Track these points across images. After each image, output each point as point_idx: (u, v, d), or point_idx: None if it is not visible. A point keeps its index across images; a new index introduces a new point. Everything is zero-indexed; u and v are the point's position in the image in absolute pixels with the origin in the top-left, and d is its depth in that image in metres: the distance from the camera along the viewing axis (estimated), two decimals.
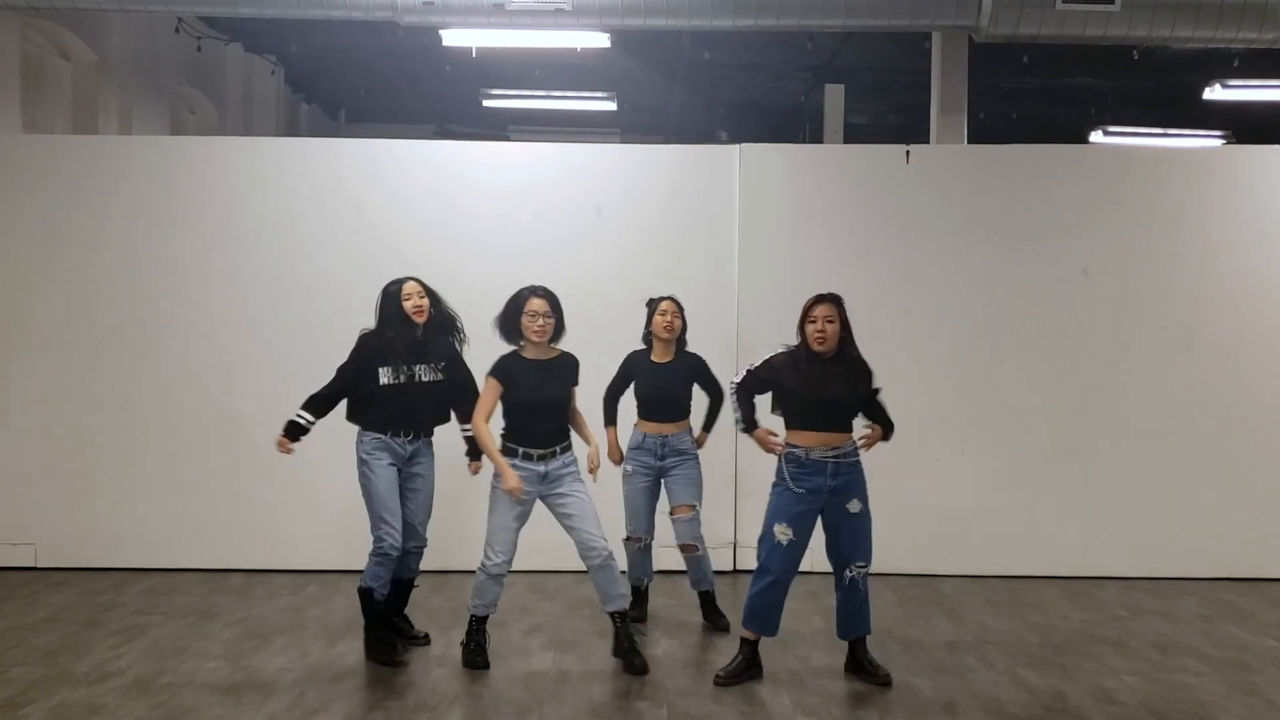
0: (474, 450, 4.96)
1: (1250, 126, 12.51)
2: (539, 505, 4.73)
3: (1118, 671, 4.79)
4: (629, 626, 4.76)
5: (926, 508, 6.36)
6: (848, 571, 4.56)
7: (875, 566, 4.65)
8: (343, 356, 4.89)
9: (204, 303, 6.43)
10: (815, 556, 4.65)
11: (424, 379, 4.81)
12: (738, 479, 6.37)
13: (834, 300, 4.51)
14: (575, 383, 4.78)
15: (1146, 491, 6.46)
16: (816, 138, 13.36)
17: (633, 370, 5.32)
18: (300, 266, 6.44)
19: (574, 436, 4.79)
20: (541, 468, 4.62)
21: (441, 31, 7.98)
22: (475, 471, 4.98)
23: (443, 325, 4.96)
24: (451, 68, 11.96)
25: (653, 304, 5.31)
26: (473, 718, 4.23)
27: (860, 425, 4.62)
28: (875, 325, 6.23)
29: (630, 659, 4.68)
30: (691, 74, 12.25)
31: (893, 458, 4.76)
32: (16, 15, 7.97)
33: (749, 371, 4.61)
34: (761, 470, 4.68)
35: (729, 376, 5.30)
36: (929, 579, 6.38)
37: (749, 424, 4.61)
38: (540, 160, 6.60)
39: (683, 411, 5.29)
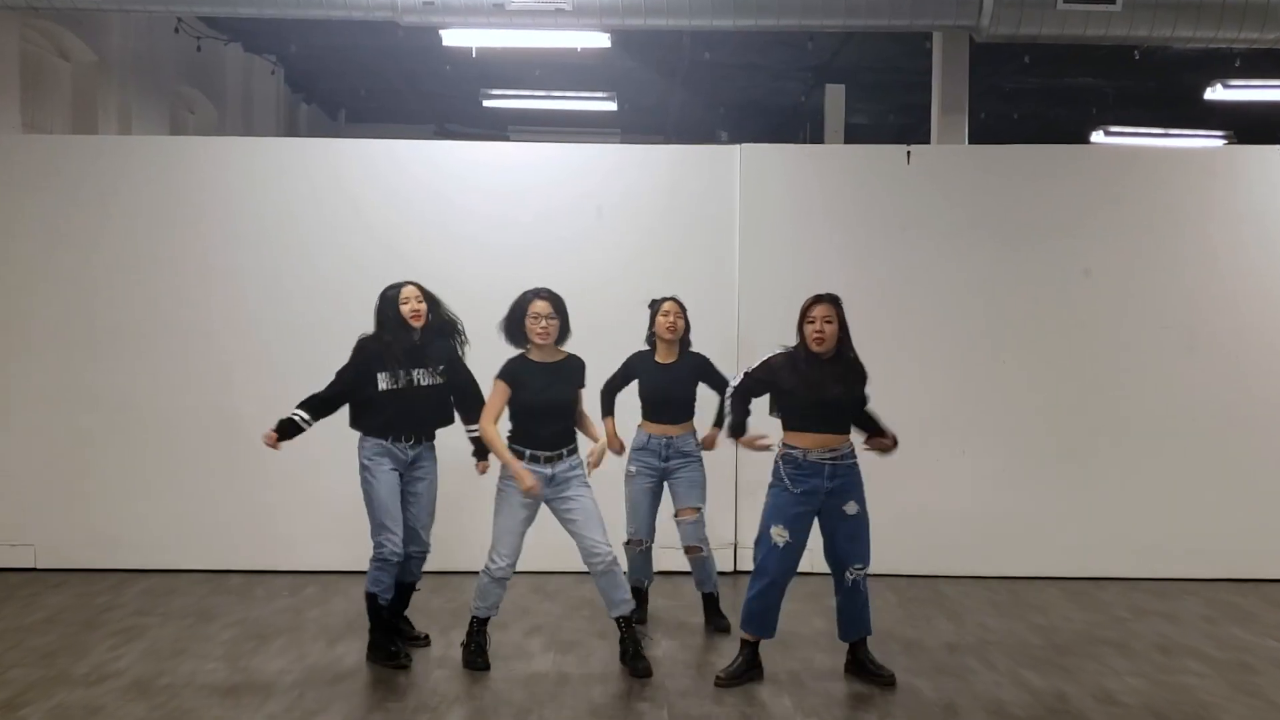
0: (480, 450, 4.94)
1: (1251, 126, 12.49)
2: (542, 508, 4.71)
3: (1120, 673, 4.78)
4: (633, 630, 4.75)
5: (927, 508, 6.35)
6: (847, 573, 4.54)
7: (876, 567, 4.64)
8: (342, 357, 4.88)
9: (203, 303, 6.42)
10: (815, 558, 4.64)
11: (423, 383, 4.79)
12: (738, 479, 6.36)
13: (832, 300, 4.49)
14: (582, 385, 4.77)
15: (1148, 492, 6.45)
16: (817, 138, 13.35)
17: (636, 370, 5.31)
18: (300, 267, 6.43)
19: (580, 439, 4.77)
20: (548, 470, 4.61)
21: (441, 31, 7.97)
22: (483, 471, 4.97)
23: (442, 329, 4.94)
24: (451, 68, 11.95)
25: (655, 305, 5.30)
26: (473, 719, 4.22)
27: (860, 440, 4.61)
28: (876, 326, 6.24)
29: (634, 663, 4.67)
30: (692, 74, 12.24)
31: (893, 458, 4.74)
32: (16, 15, 7.96)
33: (746, 374, 4.59)
34: (763, 471, 4.66)
35: (731, 377, 5.31)
36: (930, 580, 6.37)
37: (736, 429, 4.56)
38: (540, 160, 6.59)
39: (687, 413, 5.28)
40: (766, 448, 4.51)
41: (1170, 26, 6.75)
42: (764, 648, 4.68)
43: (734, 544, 6.44)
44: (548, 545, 5.17)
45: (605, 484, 4.83)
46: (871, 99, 13.30)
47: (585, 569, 4.69)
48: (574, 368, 4.74)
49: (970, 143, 9.21)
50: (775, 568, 4.48)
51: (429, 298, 4.87)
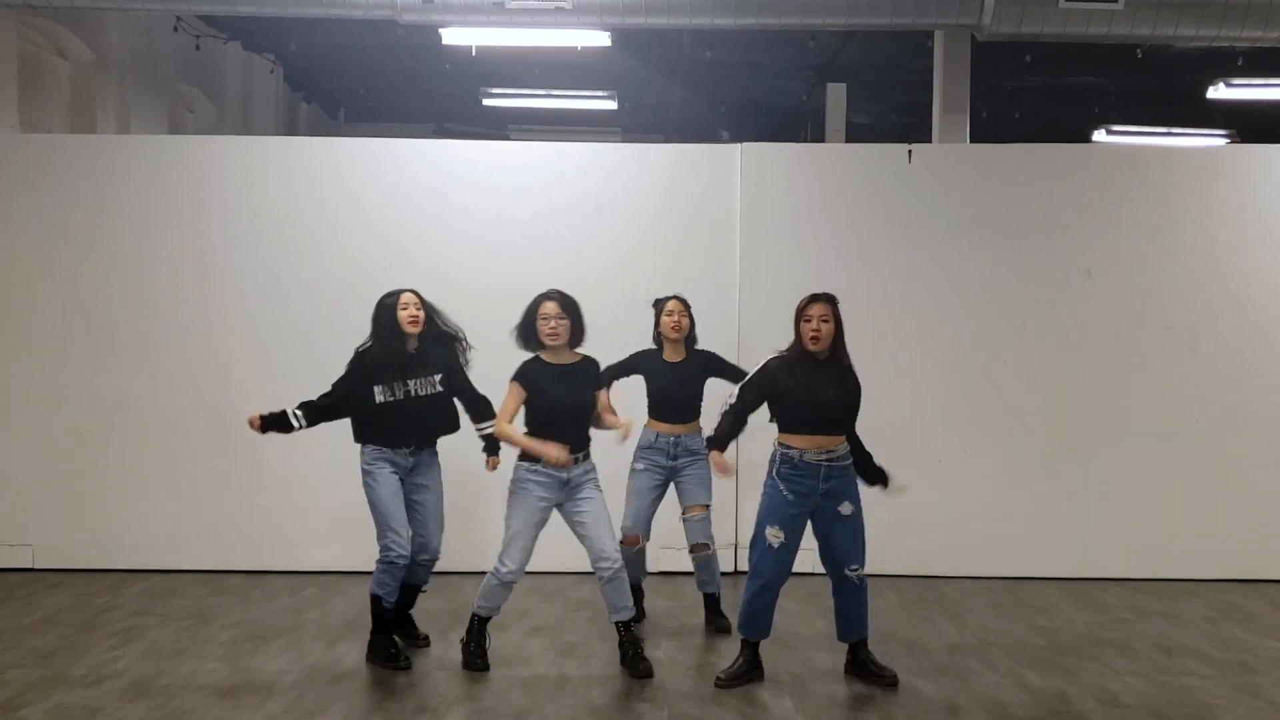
0: (491, 446, 4.93)
1: (1254, 125, 12.46)
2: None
3: (1121, 673, 4.77)
4: (634, 634, 4.74)
5: (928, 508, 6.32)
6: (847, 573, 4.52)
7: (877, 568, 4.63)
8: (341, 356, 4.86)
9: (202, 302, 6.40)
10: (817, 558, 4.62)
11: (420, 393, 4.76)
12: (739, 479, 6.32)
13: (829, 300, 4.47)
14: (599, 387, 4.76)
15: (1150, 492, 6.43)
16: (818, 137, 13.32)
17: (642, 368, 5.29)
18: (299, 266, 6.41)
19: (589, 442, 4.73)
20: (564, 475, 4.58)
21: (441, 30, 7.96)
22: (493, 467, 4.95)
23: (441, 337, 4.92)
24: (451, 66, 11.94)
25: (659, 304, 5.29)
26: None
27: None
28: (877, 325, 6.24)
29: (635, 665, 4.66)
30: (693, 73, 12.23)
31: (894, 458, 4.73)
32: (13, 13, 7.95)
33: (743, 387, 4.55)
34: (764, 471, 4.64)
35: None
36: (931, 580, 6.36)
37: (721, 443, 4.47)
38: (540, 159, 6.57)
39: (695, 412, 5.27)
40: (726, 475, 4.53)
41: (1172, 25, 6.73)
42: (765, 648, 4.67)
43: (734, 544, 6.42)
44: (548, 545, 5.14)
45: (606, 485, 4.80)
46: (873, 98, 13.28)
47: (584, 570, 4.68)
48: (588, 370, 4.73)
49: (972, 142, 9.19)
50: (770, 569, 4.47)
51: (426, 306, 4.85)
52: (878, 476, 4.60)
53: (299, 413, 4.79)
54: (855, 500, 4.51)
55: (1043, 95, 13.28)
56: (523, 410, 4.61)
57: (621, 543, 5.27)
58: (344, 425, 4.84)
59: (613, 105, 12.07)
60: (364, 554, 4.90)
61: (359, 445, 4.81)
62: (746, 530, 6.26)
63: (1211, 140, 12.37)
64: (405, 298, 4.80)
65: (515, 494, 4.61)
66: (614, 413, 4.99)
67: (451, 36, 8.38)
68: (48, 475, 6.39)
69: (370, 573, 4.79)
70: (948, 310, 6.47)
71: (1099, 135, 12.90)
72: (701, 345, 5.39)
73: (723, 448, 4.50)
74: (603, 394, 5.21)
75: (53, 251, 6.40)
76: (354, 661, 4.81)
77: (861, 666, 4.63)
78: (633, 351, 5.36)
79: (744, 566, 6.21)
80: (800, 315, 4.47)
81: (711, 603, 5.40)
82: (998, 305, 6.49)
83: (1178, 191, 6.52)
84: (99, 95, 9.62)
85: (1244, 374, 6.47)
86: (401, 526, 4.72)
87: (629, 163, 6.57)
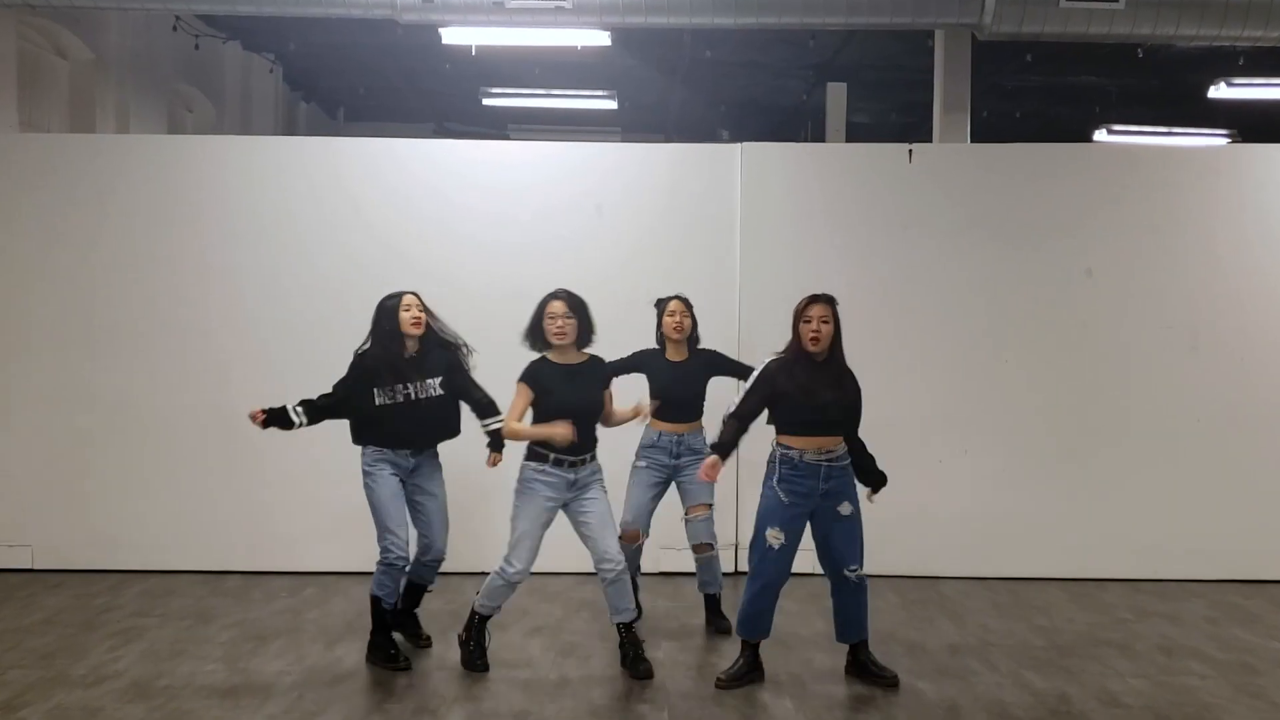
0: (496, 443, 4.91)
1: (1255, 125, 12.46)
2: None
3: (1122, 674, 4.76)
4: (635, 635, 4.73)
5: (929, 509, 6.33)
6: (846, 574, 4.52)
7: (877, 568, 4.63)
8: (341, 356, 4.86)
9: (201, 302, 6.39)
10: (816, 558, 4.61)
11: (419, 396, 4.74)
12: (738, 479, 6.33)
13: (829, 301, 4.46)
14: (606, 386, 4.75)
15: (1151, 492, 6.42)
16: (818, 136, 13.32)
17: (645, 367, 5.27)
18: (298, 266, 6.40)
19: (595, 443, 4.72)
20: (571, 475, 4.57)
21: (441, 30, 7.95)
22: (494, 464, 4.94)
23: (442, 341, 4.90)
24: (451, 66, 11.93)
25: (661, 304, 5.29)
26: None
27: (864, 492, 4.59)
28: (878, 325, 6.24)
29: (635, 666, 4.65)
30: (693, 72, 12.22)
31: (895, 458, 4.72)
32: (12, 13, 7.94)
33: (746, 393, 4.53)
34: (764, 472, 4.63)
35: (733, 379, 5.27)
36: (931, 580, 6.35)
37: (724, 450, 4.46)
38: (540, 159, 6.56)
39: (697, 411, 5.26)
40: (709, 480, 4.48)
41: (1173, 25, 6.72)
42: (765, 649, 4.66)
43: (735, 544, 6.41)
44: (548, 545, 5.14)
45: (608, 485, 4.79)
46: (873, 97, 13.27)
47: (585, 570, 4.67)
48: (596, 369, 4.72)
49: (972, 141, 9.18)
50: (771, 570, 4.46)
51: (426, 310, 4.84)
52: (877, 482, 4.59)
53: (299, 409, 4.78)
54: (854, 500, 4.51)
55: (1043, 95, 13.27)
56: (530, 411, 4.60)
57: (621, 538, 5.27)
58: (345, 425, 4.84)
59: (613, 105, 12.07)
60: (364, 554, 4.89)
61: (359, 447, 4.80)
62: (746, 531, 6.25)
63: (1212, 140, 12.37)
64: (407, 299, 4.79)
65: (522, 494, 4.60)
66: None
67: (451, 36, 8.37)
68: (47, 475, 6.38)
69: (370, 573, 4.79)
70: (948, 310, 6.46)
71: (1100, 135, 12.89)
72: (703, 345, 5.38)
73: (726, 455, 4.48)
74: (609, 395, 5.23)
75: (52, 251, 6.39)
76: (354, 662, 4.80)
77: (862, 667, 4.63)
78: (627, 354, 5.35)
79: (744, 567, 6.21)
80: (800, 316, 4.46)
81: (712, 604, 5.40)
82: (998, 305, 6.48)
83: (1179, 191, 6.51)
84: (98, 95, 9.62)
85: (1245, 374, 6.46)
86: (401, 528, 4.72)
87: (629, 162, 6.56)
